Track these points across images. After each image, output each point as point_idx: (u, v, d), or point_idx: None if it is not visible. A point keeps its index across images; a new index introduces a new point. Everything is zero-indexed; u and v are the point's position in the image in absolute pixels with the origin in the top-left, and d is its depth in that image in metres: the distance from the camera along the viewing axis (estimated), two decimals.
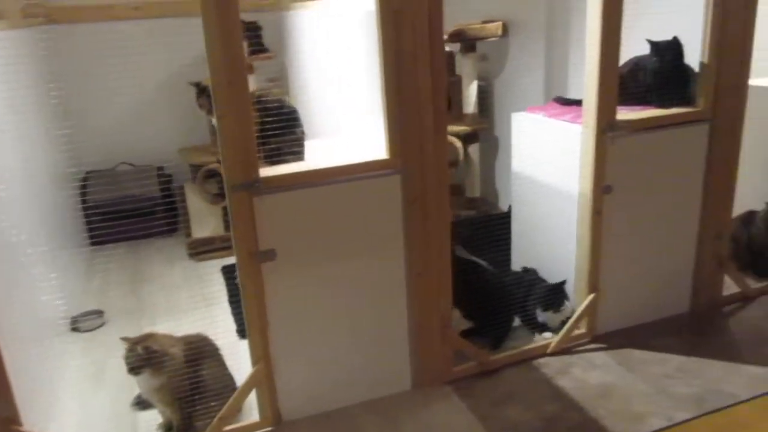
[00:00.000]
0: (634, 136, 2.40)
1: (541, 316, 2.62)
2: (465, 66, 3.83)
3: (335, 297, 2.13)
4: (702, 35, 2.39)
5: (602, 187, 2.39)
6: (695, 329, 2.61)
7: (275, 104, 2.06)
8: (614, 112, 2.32)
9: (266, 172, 1.97)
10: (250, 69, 3.41)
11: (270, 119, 2.04)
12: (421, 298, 2.23)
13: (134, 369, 1.96)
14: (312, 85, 3.06)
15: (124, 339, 2.01)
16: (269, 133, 2.03)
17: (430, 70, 2.00)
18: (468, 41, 3.69)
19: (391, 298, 2.20)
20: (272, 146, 2.03)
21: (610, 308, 2.56)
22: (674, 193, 2.55)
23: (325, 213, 2.03)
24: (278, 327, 2.07)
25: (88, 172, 3.94)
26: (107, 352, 2.69)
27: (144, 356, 1.95)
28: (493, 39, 3.74)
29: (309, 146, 2.33)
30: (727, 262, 2.71)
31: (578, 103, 2.76)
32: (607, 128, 2.32)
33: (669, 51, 2.41)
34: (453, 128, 3.89)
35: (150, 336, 2.04)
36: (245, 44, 3.27)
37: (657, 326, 2.64)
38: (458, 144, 3.83)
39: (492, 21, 3.76)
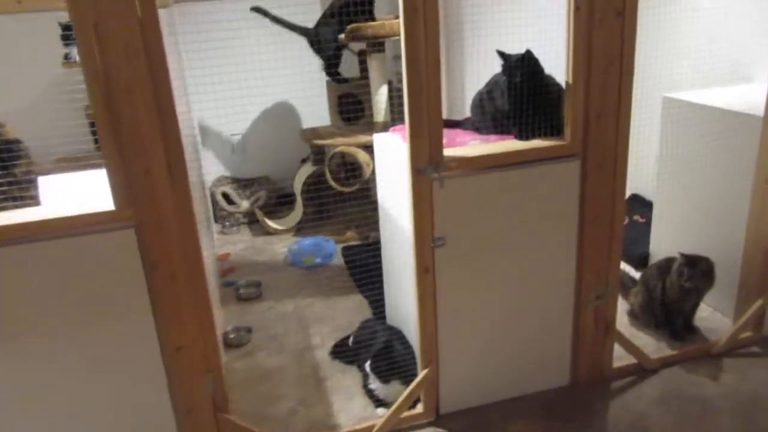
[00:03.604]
0: (476, 177, 1.90)
1: (379, 389, 2.16)
2: (371, 68, 3.33)
3: (66, 386, 1.72)
4: (566, 49, 1.86)
5: (431, 239, 1.90)
6: (565, 411, 2.11)
7: None
8: (440, 148, 1.83)
9: None
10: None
11: None
12: (185, 377, 1.80)
13: None
14: None
15: None
16: None
17: (153, 101, 1.55)
18: (365, 40, 3.19)
19: (145, 380, 1.77)
20: None
21: (458, 382, 2.09)
22: (540, 246, 2.03)
23: (34, 280, 1.61)
24: None
25: None
26: None
27: None
28: (397, 38, 3.22)
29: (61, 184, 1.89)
30: (614, 328, 2.18)
31: (451, 124, 2.27)
32: (429, 168, 1.82)
33: (518, 68, 1.88)
34: (360, 139, 3.42)
35: None
36: None
37: (520, 405, 2.14)
38: (362, 157, 3.35)
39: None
